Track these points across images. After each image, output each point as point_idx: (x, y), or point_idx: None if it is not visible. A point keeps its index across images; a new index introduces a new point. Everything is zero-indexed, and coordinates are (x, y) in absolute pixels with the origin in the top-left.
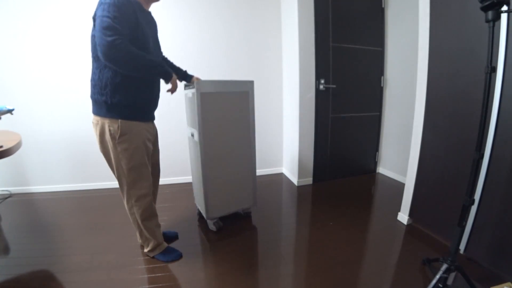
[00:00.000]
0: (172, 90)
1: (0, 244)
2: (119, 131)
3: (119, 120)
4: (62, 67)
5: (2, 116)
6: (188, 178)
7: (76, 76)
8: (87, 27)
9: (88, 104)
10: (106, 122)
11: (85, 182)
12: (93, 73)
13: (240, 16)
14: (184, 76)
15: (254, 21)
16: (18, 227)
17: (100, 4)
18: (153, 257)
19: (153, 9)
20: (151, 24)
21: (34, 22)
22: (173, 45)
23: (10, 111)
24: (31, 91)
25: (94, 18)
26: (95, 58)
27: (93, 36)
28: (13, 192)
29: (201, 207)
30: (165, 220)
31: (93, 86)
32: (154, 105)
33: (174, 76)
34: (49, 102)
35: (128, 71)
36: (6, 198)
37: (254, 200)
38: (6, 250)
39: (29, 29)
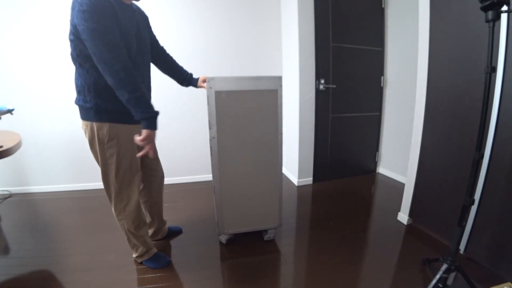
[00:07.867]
0: (143, 141)
1: (0, 244)
2: (107, 136)
3: (108, 124)
4: (63, 67)
5: (2, 116)
6: (188, 178)
7: None
8: None
9: None
10: (95, 126)
11: (85, 182)
12: (76, 78)
13: (239, 16)
14: (189, 80)
15: (253, 21)
16: (18, 227)
17: (77, 11)
18: (141, 263)
19: (153, 8)
20: (133, 19)
21: (35, 22)
22: (172, 45)
23: (10, 111)
24: (31, 91)
25: (72, 23)
26: (75, 63)
27: (72, 41)
28: (13, 192)
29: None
30: (169, 219)
31: (78, 92)
32: None
33: (152, 132)
34: (49, 102)
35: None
36: (6, 198)
37: (280, 219)
38: (6, 250)
39: (29, 28)
